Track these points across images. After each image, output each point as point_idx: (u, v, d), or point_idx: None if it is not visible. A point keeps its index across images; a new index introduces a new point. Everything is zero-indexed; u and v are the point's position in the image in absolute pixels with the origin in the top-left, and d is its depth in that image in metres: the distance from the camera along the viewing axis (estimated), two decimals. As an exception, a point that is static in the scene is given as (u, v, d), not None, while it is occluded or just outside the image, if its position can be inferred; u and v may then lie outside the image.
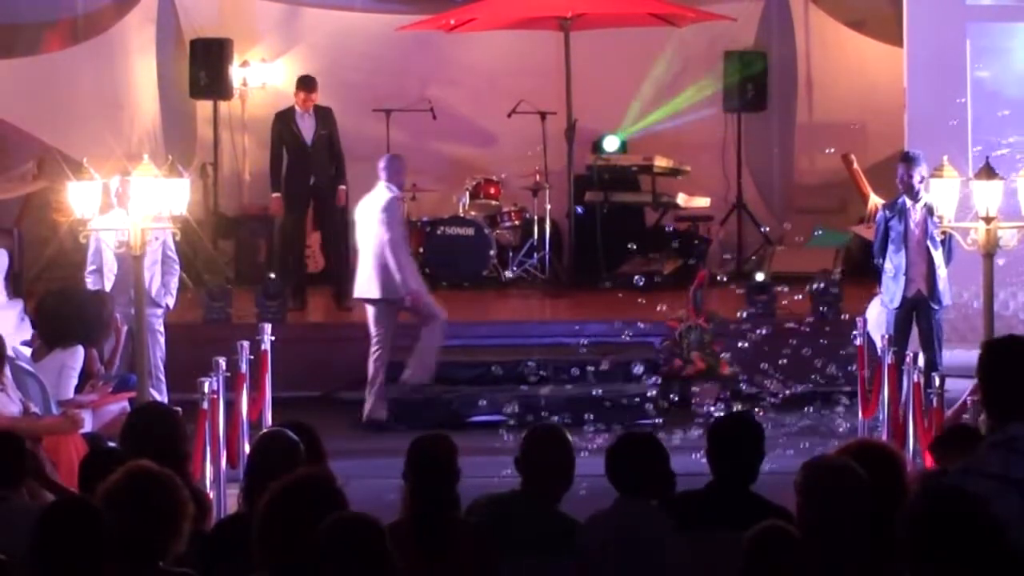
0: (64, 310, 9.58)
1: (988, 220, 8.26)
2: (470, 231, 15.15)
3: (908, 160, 10.82)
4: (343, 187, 13.96)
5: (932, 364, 10.71)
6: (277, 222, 15.55)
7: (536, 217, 15.59)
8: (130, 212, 8.72)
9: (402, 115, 15.76)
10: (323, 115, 13.94)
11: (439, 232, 15.15)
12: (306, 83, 13.99)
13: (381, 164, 11.85)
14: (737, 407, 11.09)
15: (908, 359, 9.75)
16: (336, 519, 4.33)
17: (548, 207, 15.45)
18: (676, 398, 12.13)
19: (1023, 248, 8.98)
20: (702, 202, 15.65)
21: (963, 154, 11.43)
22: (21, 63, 15.24)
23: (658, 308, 12.55)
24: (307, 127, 13.87)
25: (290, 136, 13.88)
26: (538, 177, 15.63)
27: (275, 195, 14.01)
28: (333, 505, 4.61)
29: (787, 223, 15.60)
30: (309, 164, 13.83)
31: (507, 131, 16.01)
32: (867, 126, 15.41)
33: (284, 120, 13.99)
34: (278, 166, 13.95)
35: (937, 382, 8.85)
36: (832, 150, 14.48)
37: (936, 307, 10.93)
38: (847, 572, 4.76)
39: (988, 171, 8.32)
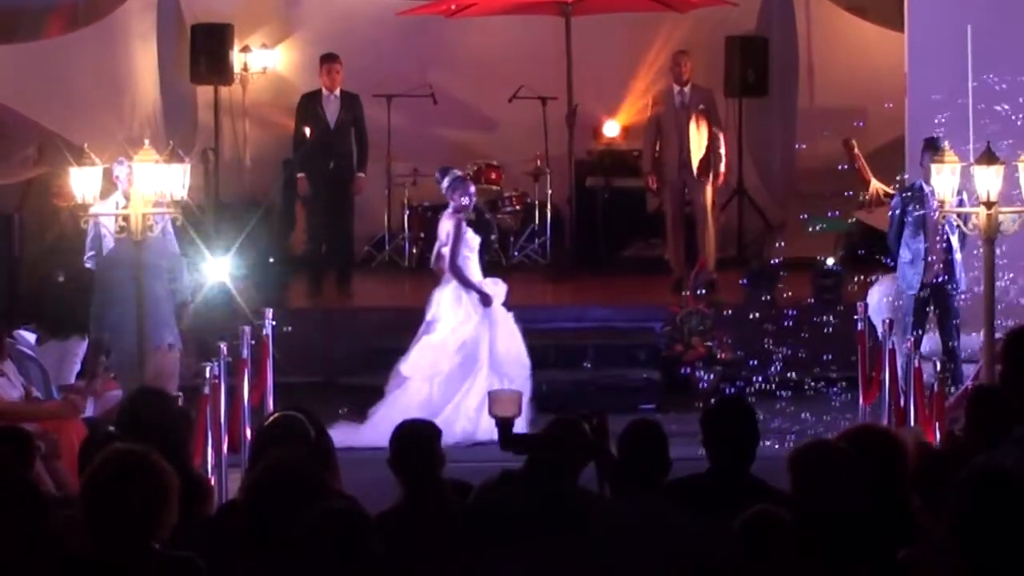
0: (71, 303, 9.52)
1: (989, 205, 8.25)
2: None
3: (934, 146, 10.70)
4: (362, 175, 13.93)
5: (951, 349, 10.73)
6: (276, 208, 15.53)
7: (537, 202, 15.60)
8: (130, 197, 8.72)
9: (403, 100, 15.73)
10: (349, 100, 13.91)
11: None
12: (328, 57, 13.95)
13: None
14: (736, 392, 11.11)
15: (908, 344, 9.73)
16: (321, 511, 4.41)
17: (549, 192, 15.45)
18: (676, 383, 12.14)
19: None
20: (703, 188, 15.61)
21: (964, 139, 11.40)
22: (22, 48, 15.19)
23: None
24: (332, 110, 13.83)
25: (314, 118, 13.84)
26: (539, 162, 15.62)
27: (300, 175, 13.98)
28: (309, 491, 4.66)
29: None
30: (330, 148, 13.78)
31: (508, 116, 15.99)
32: (868, 111, 15.37)
33: (310, 101, 13.97)
34: (302, 147, 13.91)
35: (938, 367, 8.85)
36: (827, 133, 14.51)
37: (954, 291, 10.93)
38: (840, 554, 4.75)
39: (989, 156, 8.31)
